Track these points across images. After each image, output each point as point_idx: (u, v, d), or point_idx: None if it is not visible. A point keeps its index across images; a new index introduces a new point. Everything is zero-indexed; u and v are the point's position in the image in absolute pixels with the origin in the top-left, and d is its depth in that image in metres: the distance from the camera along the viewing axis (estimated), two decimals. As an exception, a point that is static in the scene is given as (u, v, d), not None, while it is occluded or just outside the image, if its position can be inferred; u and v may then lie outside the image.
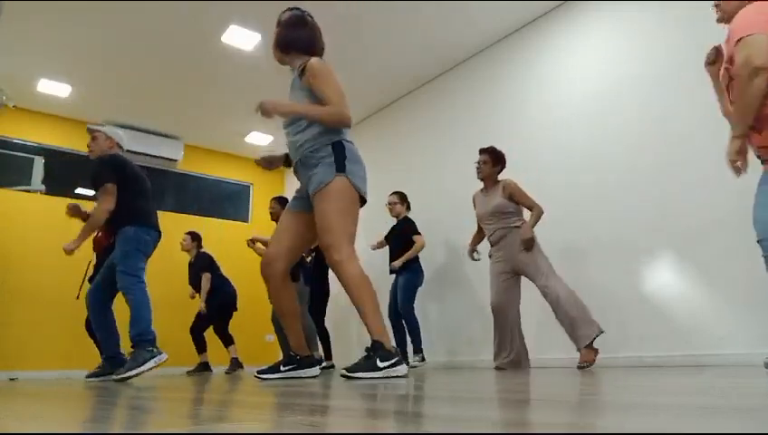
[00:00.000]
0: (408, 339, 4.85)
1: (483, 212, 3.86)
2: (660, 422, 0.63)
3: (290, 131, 2.61)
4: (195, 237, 5.81)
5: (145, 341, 3.15)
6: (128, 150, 6.51)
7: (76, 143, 6.45)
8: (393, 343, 2.77)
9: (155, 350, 3.15)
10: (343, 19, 4.72)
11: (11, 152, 6.15)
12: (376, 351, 2.32)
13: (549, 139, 4.49)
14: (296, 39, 2.65)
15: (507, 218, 3.74)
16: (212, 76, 5.64)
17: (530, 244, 3.58)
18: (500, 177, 3.91)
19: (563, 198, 4.24)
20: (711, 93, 3.52)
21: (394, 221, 5.19)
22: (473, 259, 4.06)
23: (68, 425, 0.84)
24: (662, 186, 3.66)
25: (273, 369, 2.71)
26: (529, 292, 3.82)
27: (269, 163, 2.84)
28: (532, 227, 3.63)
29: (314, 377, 2.72)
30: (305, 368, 2.72)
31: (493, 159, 3.88)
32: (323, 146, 2.49)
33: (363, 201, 2.55)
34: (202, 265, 5.63)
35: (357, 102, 6.32)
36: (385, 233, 5.22)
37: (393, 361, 2.29)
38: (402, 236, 5.00)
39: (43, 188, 6.15)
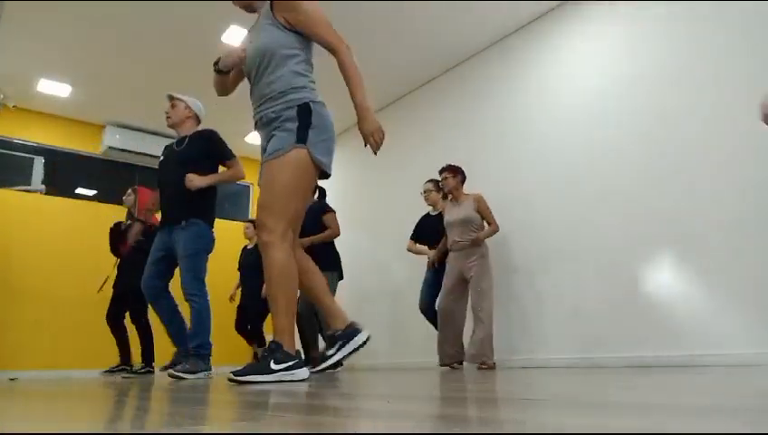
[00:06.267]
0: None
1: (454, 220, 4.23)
2: (658, 422, 0.63)
3: (252, 90, 2.46)
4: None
5: (205, 353, 3.11)
6: (128, 151, 6.57)
7: (76, 143, 6.45)
8: (299, 346, 2.41)
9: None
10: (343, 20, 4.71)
11: (11, 152, 6.15)
12: (272, 352, 2.06)
13: (551, 141, 4.48)
14: None
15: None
16: (212, 76, 5.62)
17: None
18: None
19: (564, 199, 4.24)
20: (710, 94, 3.52)
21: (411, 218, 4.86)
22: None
23: (67, 425, 0.84)
24: (664, 187, 3.65)
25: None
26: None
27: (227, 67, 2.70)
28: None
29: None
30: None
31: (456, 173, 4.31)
32: (287, 108, 2.26)
33: (325, 175, 2.28)
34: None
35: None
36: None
37: (290, 363, 2.05)
38: (439, 231, 4.42)
39: (42, 188, 6.15)
